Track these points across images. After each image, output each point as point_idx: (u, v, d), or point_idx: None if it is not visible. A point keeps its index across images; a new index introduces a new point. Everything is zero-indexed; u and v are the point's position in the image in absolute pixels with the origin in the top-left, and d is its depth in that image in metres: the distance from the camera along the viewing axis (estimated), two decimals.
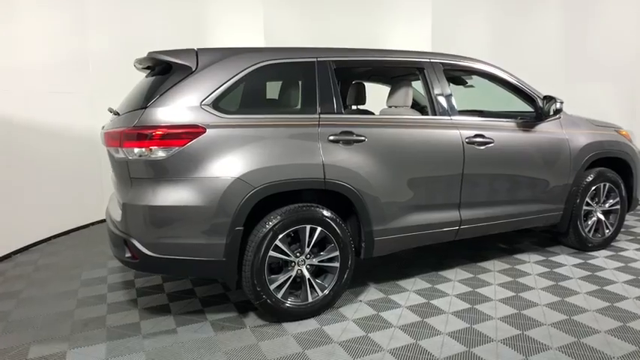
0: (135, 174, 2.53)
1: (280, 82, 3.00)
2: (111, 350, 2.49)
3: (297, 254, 2.76)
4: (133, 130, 2.47)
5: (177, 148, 2.46)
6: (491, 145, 3.29)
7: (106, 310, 3.00)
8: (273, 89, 2.91)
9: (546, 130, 3.60)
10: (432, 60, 3.28)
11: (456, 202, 3.23)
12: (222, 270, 2.58)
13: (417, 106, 4.51)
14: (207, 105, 2.57)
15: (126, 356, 2.42)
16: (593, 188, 3.82)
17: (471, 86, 4.24)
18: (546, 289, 3.18)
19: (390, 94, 3.45)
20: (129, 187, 2.57)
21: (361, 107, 3.87)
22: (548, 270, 3.54)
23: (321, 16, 6.77)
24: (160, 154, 2.45)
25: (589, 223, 3.89)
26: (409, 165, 3.02)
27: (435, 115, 3.20)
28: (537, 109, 3.59)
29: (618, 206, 4.00)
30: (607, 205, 3.97)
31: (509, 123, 3.49)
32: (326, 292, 2.83)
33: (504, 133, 3.40)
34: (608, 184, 3.90)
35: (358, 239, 2.96)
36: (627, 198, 4.06)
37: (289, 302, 2.75)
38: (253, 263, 2.60)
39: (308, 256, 2.79)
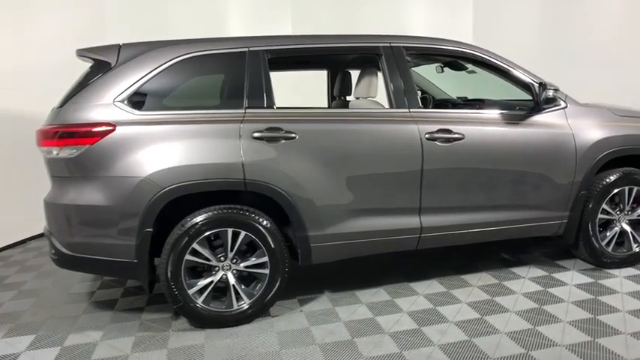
0: (52, 172, 2.54)
1: (207, 76, 2.83)
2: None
3: (222, 259, 2.61)
4: (46, 129, 2.48)
5: (86, 146, 2.42)
6: (461, 141, 2.81)
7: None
8: (200, 83, 2.75)
9: (543, 122, 3.00)
10: (392, 44, 2.88)
11: (416, 207, 2.82)
12: (133, 271, 2.52)
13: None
14: (121, 102, 2.49)
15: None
16: (614, 193, 3.14)
17: (473, 71, 3.70)
18: (522, 313, 2.67)
19: (357, 84, 3.12)
20: (51, 185, 2.59)
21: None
22: (540, 289, 2.98)
23: (354, 7, 6.41)
24: (71, 152, 2.43)
25: (608, 234, 3.20)
26: (351, 165, 2.69)
27: (392, 107, 2.82)
28: (534, 99, 3.01)
29: None
30: (636, 213, 3.24)
31: (493, 115, 2.97)
32: (254, 299, 2.65)
33: (481, 128, 2.89)
34: (636, 189, 3.17)
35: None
36: None
37: (212, 308, 2.61)
38: (167, 266, 2.50)
39: (234, 260, 2.62)
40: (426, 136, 2.76)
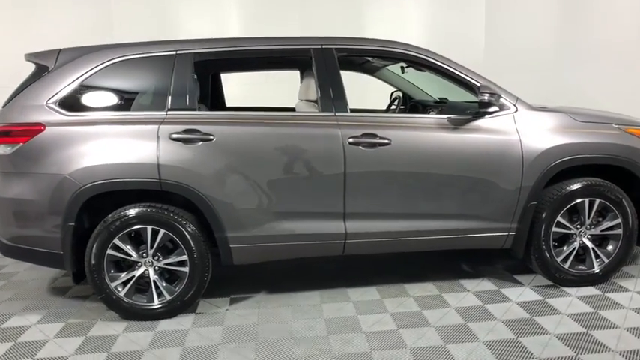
0: None
1: (136, 79, 2.91)
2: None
3: (144, 255, 2.72)
4: None
5: (19, 144, 2.61)
6: (387, 146, 2.72)
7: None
8: (129, 86, 2.85)
9: (486, 127, 2.82)
10: (324, 46, 2.83)
11: (340, 212, 2.77)
12: (61, 262, 2.69)
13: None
14: (53, 103, 2.66)
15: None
16: (572, 205, 2.88)
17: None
18: (442, 328, 2.55)
19: (300, 86, 3.11)
20: None
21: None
22: (478, 305, 2.82)
23: (363, 7, 6.33)
24: (6, 150, 2.63)
25: (564, 249, 2.96)
26: (271, 168, 2.69)
27: (319, 110, 2.78)
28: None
29: (619, 231, 2.95)
30: (599, 228, 2.96)
31: (427, 120, 2.84)
32: (174, 296, 2.74)
33: (411, 133, 2.77)
34: (598, 201, 2.90)
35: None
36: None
37: (133, 301, 2.73)
38: (90, 259, 2.65)
39: (156, 257, 2.73)
40: (350, 140, 2.69)
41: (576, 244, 2.96)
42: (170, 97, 2.70)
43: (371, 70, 3.98)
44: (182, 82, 2.72)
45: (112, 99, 2.77)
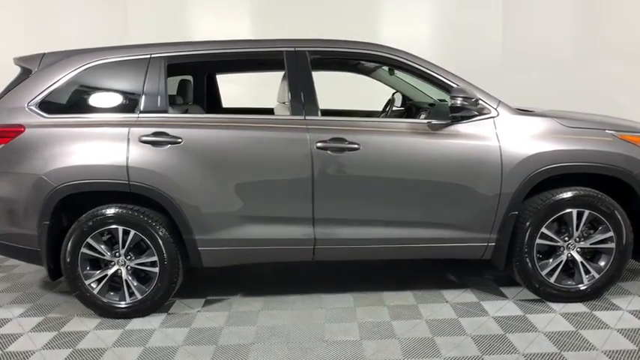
0: None
1: (112, 82, 2.95)
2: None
3: (117, 254, 2.78)
4: None
5: (1, 145, 2.73)
6: (356, 151, 2.65)
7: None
8: (105, 88, 2.90)
9: (464, 133, 2.69)
10: (296, 48, 2.79)
11: (309, 218, 2.72)
12: (39, 259, 2.78)
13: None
14: (33, 106, 2.76)
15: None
16: (558, 216, 2.71)
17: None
18: (408, 341, 2.46)
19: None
20: None
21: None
22: (452, 318, 2.70)
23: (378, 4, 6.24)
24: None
25: (550, 262, 2.78)
26: (239, 171, 2.68)
27: (290, 113, 2.74)
28: None
29: (611, 245, 2.74)
30: (589, 241, 2.77)
31: (401, 124, 2.75)
32: (145, 295, 2.78)
33: (382, 137, 2.68)
34: (588, 212, 2.71)
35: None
36: (635, 235, 2.77)
37: (105, 299, 2.80)
38: (65, 257, 2.73)
39: (129, 257, 2.78)
40: (318, 144, 2.64)
41: (563, 258, 2.78)
42: (142, 99, 2.74)
43: (366, 72, 3.89)
44: (154, 85, 2.75)
45: (88, 101, 2.84)
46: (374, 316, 2.74)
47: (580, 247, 2.78)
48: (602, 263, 2.79)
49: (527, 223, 2.70)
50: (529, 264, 2.75)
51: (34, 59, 2.88)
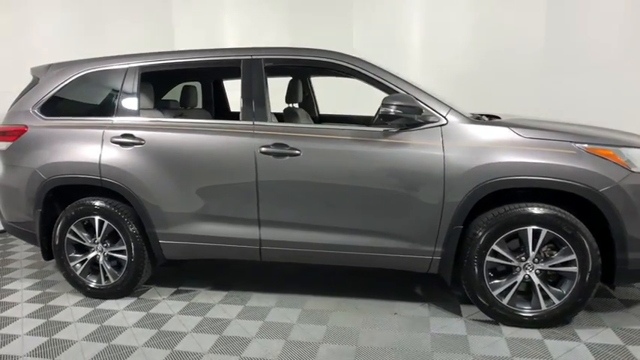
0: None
1: (97, 88, 3.27)
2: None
3: (95, 242, 3.14)
4: None
5: (10, 142, 3.22)
6: (297, 157, 2.70)
7: None
8: (92, 94, 3.26)
9: (407, 141, 2.61)
10: (253, 56, 2.91)
11: (255, 219, 2.84)
12: (36, 241, 3.24)
13: None
14: (36, 109, 3.21)
15: None
16: (510, 233, 2.52)
17: None
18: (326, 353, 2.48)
19: None
20: None
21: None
22: (393, 330, 2.65)
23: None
24: (3, 146, 3.26)
25: (503, 282, 2.60)
26: (190, 172, 2.88)
27: (240, 118, 2.87)
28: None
29: (574, 268, 2.49)
30: (548, 263, 2.54)
31: (345, 131, 2.73)
32: (116, 280, 3.11)
33: (322, 144, 2.70)
34: (545, 231, 2.48)
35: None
36: (604, 258, 2.48)
37: (86, 280, 3.17)
38: (55, 240, 3.15)
39: (106, 244, 3.13)
40: (262, 149, 2.74)
41: (518, 279, 2.57)
42: (118, 105, 3.06)
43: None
44: (129, 92, 3.06)
45: (77, 106, 3.24)
46: (293, 320, 2.78)
47: (539, 269, 2.55)
48: (564, 288, 2.54)
49: (477, 239, 2.55)
50: (478, 282, 2.59)
51: (42, 69, 3.34)
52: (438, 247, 2.63)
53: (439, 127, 2.59)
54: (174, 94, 3.94)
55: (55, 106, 3.22)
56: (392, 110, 2.48)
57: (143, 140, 2.93)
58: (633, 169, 2.42)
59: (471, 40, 5.93)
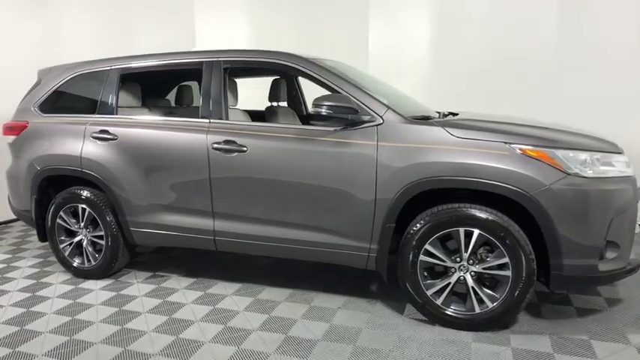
0: (10, 152, 3.87)
1: (86, 88, 3.56)
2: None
3: (81, 227, 3.48)
4: (4, 124, 3.80)
5: (15, 136, 3.65)
6: (243, 153, 2.85)
7: None
8: (80, 94, 3.58)
9: (344, 140, 2.67)
10: (213, 59, 3.10)
11: (209, 211, 3.03)
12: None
13: None
14: (36, 107, 3.61)
15: None
16: (443, 233, 2.52)
17: None
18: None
19: None
20: None
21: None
22: (280, 326, 2.74)
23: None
24: (9, 140, 3.69)
25: (438, 282, 2.59)
26: (154, 166, 3.13)
27: (199, 117, 3.07)
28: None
29: (507, 272, 2.44)
30: (482, 265, 2.50)
31: (289, 129, 2.84)
32: (96, 263, 3.43)
33: (267, 141, 2.83)
34: (477, 232, 2.45)
35: None
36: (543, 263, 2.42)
37: (73, 261, 3.52)
38: (47, 224, 3.53)
39: (88, 230, 3.46)
40: (214, 146, 2.92)
41: (452, 280, 2.56)
42: (99, 103, 3.38)
43: None
44: (108, 92, 3.36)
45: (68, 104, 3.59)
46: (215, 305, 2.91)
47: (474, 271, 2.53)
48: (499, 292, 2.49)
49: (411, 238, 2.57)
50: (412, 281, 2.61)
51: (44, 71, 3.74)
52: (374, 245, 2.68)
53: (375, 127, 2.64)
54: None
55: (51, 104, 3.60)
56: (323, 110, 2.56)
57: (116, 136, 3.22)
58: (569, 172, 2.34)
59: (483, 38, 5.77)
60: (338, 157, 2.67)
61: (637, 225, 2.56)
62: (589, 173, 2.36)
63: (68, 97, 3.60)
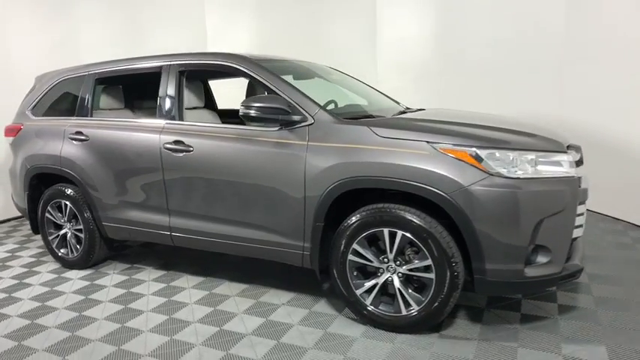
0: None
1: (68, 92, 3.82)
2: None
3: (64, 221, 3.78)
4: (6, 126, 4.16)
5: (13, 137, 4.01)
6: (190, 153, 2.98)
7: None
8: (63, 97, 3.85)
9: (278, 140, 2.72)
10: (169, 63, 3.24)
11: (165, 208, 3.19)
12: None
13: None
14: (30, 110, 3.95)
15: None
16: (369, 233, 2.51)
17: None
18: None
19: None
20: None
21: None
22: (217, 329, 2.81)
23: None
24: (10, 140, 4.06)
25: (366, 282, 2.58)
26: (118, 165, 3.33)
27: (156, 117, 3.23)
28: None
29: (431, 275, 2.40)
30: (407, 267, 2.47)
31: (229, 129, 2.92)
32: (78, 254, 3.71)
33: (209, 141, 2.93)
34: (401, 234, 2.42)
35: None
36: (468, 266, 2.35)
37: (60, 252, 3.83)
38: (38, 217, 3.86)
39: (72, 224, 3.75)
40: (165, 146, 3.07)
41: (380, 280, 2.54)
42: (77, 106, 3.64)
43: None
44: (84, 96, 3.61)
45: (54, 107, 3.88)
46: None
47: (402, 273, 2.50)
48: (425, 295, 2.45)
49: (340, 237, 2.58)
50: (342, 280, 2.62)
51: (39, 77, 4.07)
52: (307, 243, 2.71)
53: (307, 127, 2.66)
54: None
55: (41, 108, 3.92)
56: (252, 112, 2.61)
57: (88, 137, 3.46)
58: (491, 172, 2.25)
59: (491, 30, 5.56)
60: (273, 156, 2.72)
61: (577, 229, 2.41)
62: (516, 173, 2.26)
63: (55, 101, 3.90)
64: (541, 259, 2.32)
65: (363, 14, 6.49)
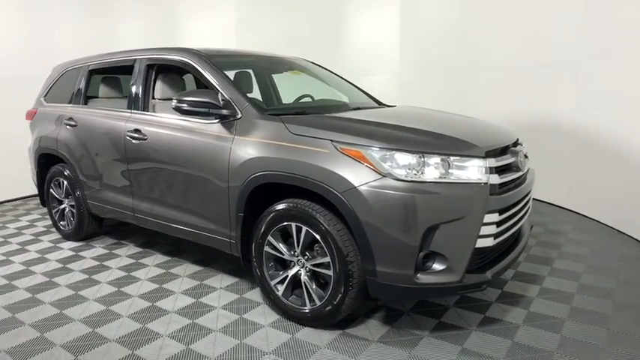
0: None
1: (71, 82, 4.21)
2: None
3: (63, 197, 4.24)
4: (27, 110, 4.71)
5: (30, 120, 4.55)
6: (144, 141, 3.22)
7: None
8: (67, 86, 4.26)
9: (211, 132, 2.86)
10: (139, 57, 3.50)
11: (129, 190, 3.47)
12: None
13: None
14: (43, 97, 4.45)
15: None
16: (280, 226, 2.58)
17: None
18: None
19: None
20: None
21: None
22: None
23: None
24: (29, 122, 4.61)
25: (280, 274, 2.66)
26: (97, 149, 3.68)
27: (127, 108, 3.51)
28: None
29: (330, 272, 2.42)
30: (311, 262, 2.51)
31: (174, 120, 3.10)
32: (70, 227, 4.16)
33: (158, 130, 3.15)
34: (305, 229, 2.47)
35: None
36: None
37: (60, 225, 4.31)
38: (44, 194, 4.37)
39: (69, 199, 4.21)
40: (127, 133, 3.34)
41: (289, 273, 2.61)
42: (73, 95, 4.05)
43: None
44: (79, 86, 4.01)
45: (59, 95, 4.33)
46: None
47: (309, 267, 2.55)
48: (325, 291, 2.48)
49: (258, 229, 2.68)
50: (257, 270, 2.72)
51: (55, 68, 4.57)
52: (233, 232, 2.84)
53: (235, 121, 2.77)
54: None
55: (51, 95, 4.40)
56: (184, 105, 2.76)
57: (77, 123, 3.85)
58: (383, 173, 2.21)
59: (508, 27, 5.25)
60: (207, 147, 2.87)
61: (484, 239, 2.28)
62: (413, 176, 2.21)
63: (61, 89, 4.35)
64: (436, 266, 2.25)
65: (387, 10, 6.39)
